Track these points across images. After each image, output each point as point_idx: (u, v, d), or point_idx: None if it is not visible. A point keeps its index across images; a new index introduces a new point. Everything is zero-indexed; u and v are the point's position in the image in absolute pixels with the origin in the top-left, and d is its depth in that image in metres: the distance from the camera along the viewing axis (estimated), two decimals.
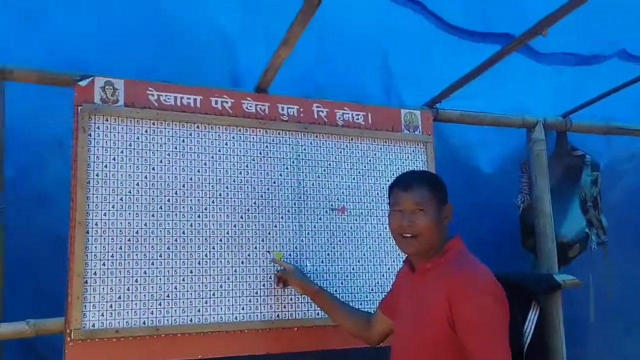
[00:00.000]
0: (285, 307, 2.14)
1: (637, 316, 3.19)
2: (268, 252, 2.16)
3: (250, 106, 2.25)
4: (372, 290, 2.30)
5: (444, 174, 2.69)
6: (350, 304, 2.15)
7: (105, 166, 1.99)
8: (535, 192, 2.74)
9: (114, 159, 2.01)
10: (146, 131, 2.08)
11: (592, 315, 2.70)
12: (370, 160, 2.43)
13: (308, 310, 2.16)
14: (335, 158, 2.37)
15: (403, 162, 2.49)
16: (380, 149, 2.46)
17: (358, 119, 2.44)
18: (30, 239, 2.19)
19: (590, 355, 3.06)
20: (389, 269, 2.34)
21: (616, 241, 2.92)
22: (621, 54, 2.43)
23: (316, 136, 2.35)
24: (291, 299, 2.16)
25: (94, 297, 1.89)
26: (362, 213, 2.36)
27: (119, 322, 1.90)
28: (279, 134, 2.29)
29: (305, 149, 2.32)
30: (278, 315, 2.12)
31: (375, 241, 2.35)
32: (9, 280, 1.93)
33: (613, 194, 3.10)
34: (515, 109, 2.83)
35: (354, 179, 2.38)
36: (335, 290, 2.22)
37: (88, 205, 1.94)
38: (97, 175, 1.98)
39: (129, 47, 2.42)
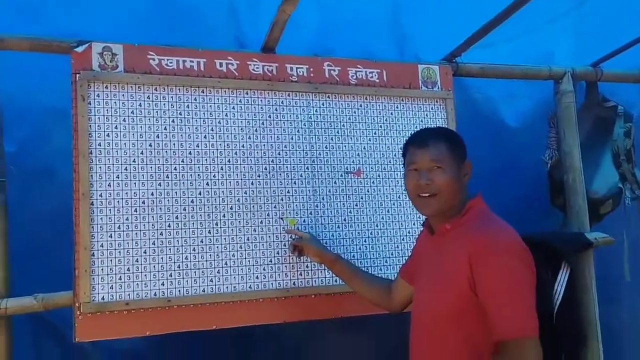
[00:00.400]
0: (301, 275, 2.07)
1: None
2: (281, 218, 2.07)
3: (257, 67, 2.15)
4: (391, 255, 2.21)
5: (467, 131, 2.56)
6: (370, 271, 2.08)
7: (108, 135, 1.92)
8: (564, 147, 2.59)
9: (116, 128, 1.94)
10: (148, 97, 2.00)
11: (627, 274, 2.56)
12: (386, 120, 2.31)
13: (325, 277, 2.08)
14: (349, 119, 2.25)
15: (422, 121, 2.36)
16: (397, 107, 2.34)
17: (372, 76, 2.32)
18: (35, 213, 2.14)
19: (625, 315, 2.93)
20: (408, 232, 2.23)
21: None
22: None
23: (328, 97, 2.23)
24: (307, 266, 2.08)
25: (102, 269, 1.84)
26: (379, 176, 2.25)
27: (128, 295, 1.85)
28: (288, 95, 2.18)
29: (317, 111, 2.21)
30: (294, 283, 2.05)
31: (393, 204, 2.24)
32: (16, 255, 1.89)
33: None
34: (542, 58, 2.65)
35: (369, 140, 2.27)
36: (353, 257, 2.13)
37: (91, 176, 1.87)
38: (100, 145, 1.91)
39: (128, 14, 2.32)
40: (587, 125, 2.74)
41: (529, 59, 2.62)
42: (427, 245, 1.65)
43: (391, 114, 2.32)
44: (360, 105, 2.28)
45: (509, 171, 2.80)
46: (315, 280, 2.08)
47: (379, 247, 2.21)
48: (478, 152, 2.70)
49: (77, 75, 1.92)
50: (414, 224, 2.23)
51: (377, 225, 2.22)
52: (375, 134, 2.28)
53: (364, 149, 2.25)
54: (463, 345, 1.43)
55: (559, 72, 2.62)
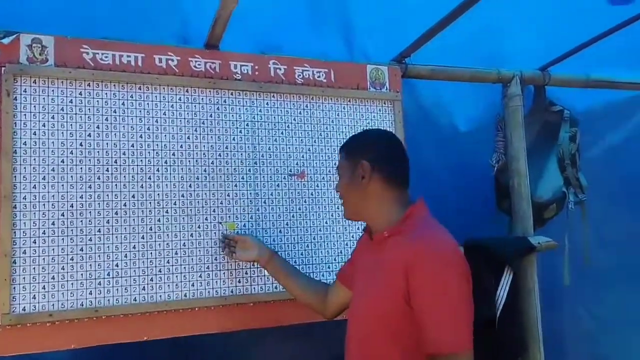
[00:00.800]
0: (239, 282, 2.00)
1: (614, 278, 3.10)
2: (220, 223, 2.00)
3: (199, 64, 2.06)
4: (334, 260, 2.16)
5: (415, 133, 2.56)
6: (312, 276, 2.02)
7: (34, 133, 1.80)
8: (511, 151, 2.59)
9: (43, 125, 1.82)
10: (80, 94, 1.88)
11: (566, 278, 2.59)
12: (332, 121, 2.26)
13: (265, 284, 2.02)
14: (294, 120, 2.19)
15: (369, 123, 2.32)
16: (344, 108, 2.29)
17: (319, 76, 2.26)
18: None
19: (567, 320, 2.97)
20: (352, 237, 2.19)
21: (595, 200, 2.79)
22: None
23: (273, 96, 2.16)
24: (246, 273, 2.01)
25: (24, 278, 1.72)
26: (323, 178, 2.20)
27: (52, 305, 1.74)
28: (231, 94, 2.10)
29: (260, 111, 2.14)
30: (232, 291, 1.98)
31: (338, 208, 2.19)
32: None
33: (592, 151, 2.95)
34: (491, 62, 2.64)
35: (314, 142, 2.21)
36: (295, 262, 2.08)
37: (15, 177, 1.75)
38: (25, 143, 1.79)
39: (62, 3, 2.19)
40: (535, 130, 2.75)
41: (479, 62, 2.60)
42: (366, 250, 1.62)
43: (338, 115, 2.27)
44: (306, 106, 2.22)
45: (457, 174, 2.79)
46: (254, 288, 2.01)
47: (321, 252, 2.16)
48: (426, 154, 2.72)
49: (3, 68, 1.79)
50: (357, 229, 2.19)
51: (320, 230, 2.17)
52: (320, 135, 2.23)
53: (309, 150, 2.20)
54: (397, 351, 1.41)
55: (507, 75, 2.61)
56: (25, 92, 1.81)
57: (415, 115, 2.59)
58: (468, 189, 2.79)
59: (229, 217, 2.02)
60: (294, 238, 2.12)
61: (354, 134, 1.73)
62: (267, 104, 2.15)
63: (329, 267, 2.15)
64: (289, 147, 2.16)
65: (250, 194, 2.07)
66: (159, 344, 1.88)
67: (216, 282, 1.96)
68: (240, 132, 2.09)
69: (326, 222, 2.18)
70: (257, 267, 1.99)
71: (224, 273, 1.98)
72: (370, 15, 2.57)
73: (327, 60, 2.29)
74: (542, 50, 2.65)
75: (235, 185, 2.05)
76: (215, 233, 1.99)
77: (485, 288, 2.35)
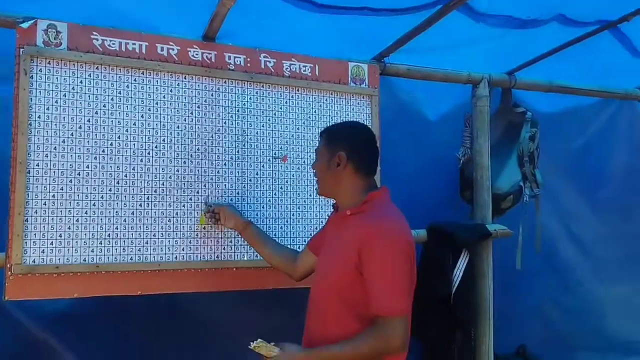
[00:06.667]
0: (224, 249, 2.25)
1: (562, 266, 3.40)
2: (205, 203, 2.23)
3: (196, 54, 2.29)
4: (311, 234, 2.39)
5: (392, 127, 2.81)
6: (291, 247, 2.27)
7: (47, 109, 2.04)
8: (476, 146, 2.86)
9: (56, 102, 2.05)
10: (90, 75, 2.11)
11: (518, 263, 2.87)
12: (315, 112, 2.50)
13: (247, 253, 2.28)
14: (280, 108, 2.43)
15: (348, 115, 2.56)
16: (326, 100, 2.53)
17: (305, 70, 2.49)
18: None
19: (518, 299, 3.26)
20: (326, 214, 2.44)
21: (549, 195, 3.08)
22: (560, 18, 2.50)
23: (262, 86, 2.40)
24: (230, 242, 2.26)
25: (35, 234, 1.97)
26: (304, 162, 2.45)
27: (59, 259, 1.99)
28: (224, 82, 2.33)
29: (250, 98, 2.38)
30: (217, 257, 2.23)
31: (316, 189, 2.44)
32: None
33: (552, 151, 3.22)
34: (464, 67, 2.89)
35: (297, 129, 2.46)
36: (275, 235, 2.32)
37: (29, 146, 1.99)
38: (39, 117, 2.02)
39: None
40: (500, 128, 3.02)
41: (452, 64, 2.85)
42: (333, 224, 1.87)
43: (320, 106, 2.51)
44: (292, 97, 2.46)
45: (426, 164, 3.05)
46: (237, 255, 2.27)
47: (299, 227, 2.42)
48: (399, 145, 2.97)
49: (21, 49, 2.01)
50: (331, 208, 2.44)
51: (299, 208, 2.42)
52: (303, 123, 2.47)
53: (292, 136, 2.44)
54: (346, 312, 1.65)
55: (477, 77, 2.88)
56: (41, 71, 2.04)
57: (392, 110, 2.83)
58: (436, 178, 3.06)
59: (218, 192, 2.27)
60: (275, 213, 2.37)
61: (336, 123, 1.97)
62: (257, 93, 2.39)
63: (305, 240, 2.38)
64: (274, 133, 2.41)
65: (238, 172, 2.31)
66: (142, 303, 2.11)
67: (204, 248, 2.21)
68: (231, 117, 2.33)
69: (304, 201, 2.43)
70: (241, 237, 2.23)
71: (211, 241, 2.23)
72: (355, 17, 2.79)
73: (313, 56, 2.52)
74: (510, 56, 2.90)
75: (225, 164, 2.30)
76: (205, 206, 2.23)
77: (444, 267, 2.64)
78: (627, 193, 3.66)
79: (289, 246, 2.30)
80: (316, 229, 2.42)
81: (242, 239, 2.20)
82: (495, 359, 2.81)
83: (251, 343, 1.63)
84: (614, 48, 2.82)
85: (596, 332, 3.56)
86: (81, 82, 2.10)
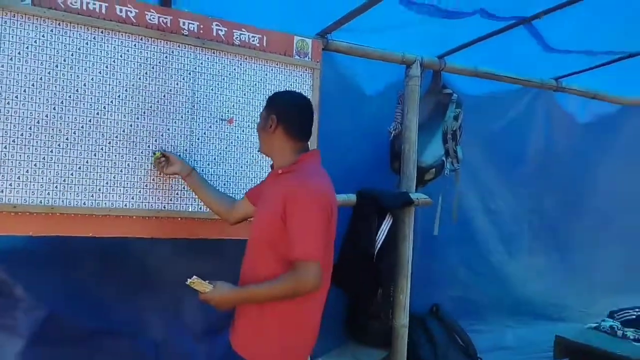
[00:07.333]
0: (171, 200, 2.47)
1: (476, 235, 3.80)
2: (154, 153, 2.42)
3: (153, 18, 2.46)
4: None
5: (332, 98, 3.06)
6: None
7: (11, 59, 2.17)
8: (406, 122, 3.16)
9: (19, 53, 2.19)
10: (52, 31, 2.25)
11: (436, 229, 3.22)
12: (260, 80, 2.72)
13: (192, 205, 2.50)
14: (229, 74, 2.64)
15: (291, 84, 2.79)
16: (271, 70, 2.75)
17: (254, 40, 2.70)
18: None
19: (435, 265, 3.64)
20: (267, 172, 2.68)
21: (469, 171, 3.43)
22: (481, 12, 2.80)
23: (213, 52, 2.59)
24: (177, 193, 2.48)
25: None
26: (248, 125, 2.67)
27: (17, 199, 2.16)
28: (178, 46, 2.51)
29: (202, 63, 2.57)
30: (164, 206, 2.45)
31: (258, 150, 2.67)
32: None
33: (474, 131, 3.57)
34: (400, 49, 3.17)
35: (244, 94, 2.67)
36: (220, 189, 2.55)
37: None
38: (2, 66, 2.15)
39: None
40: (429, 107, 3.33)
41: (389, 45, 3.12)
42: (270, 180, 2.11)
43: (266, 75, 2.73)
44: (240, 64, 2.67)
45: (361, 136, 3.34)
46: (183, 206, 2.49)
47: (242, 184, 2.65)
48: (337, 116, 3.24)
49: None
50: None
51: (241, 167, 2.65)
52: (250, 90, 2.69)
53: (239, 101, 2.66)
54: (273, 257, 1.91)
55: (410, 58, 3.16)
56: (6, 23, 2.17)
57: (332, 83, 3.08)
58: (369, 149, 3.35)
59: (168, 147, 2.46)
60: (220, 171, 2.60)
61: (278, 91, 2.20)
62: (208, 58, 2.58)
63: None
64: (222, 97, 2.62)
65: (187, 130, 2.52)
66: (94, 247, 2.30)
67: (152, 197, 2.42)
68: (183, 79, 2.52)
69: (247, 161, 2.67)
70: (187, 189, 2.44)
71: (159, 191, 2.44)
72: None
73: (262, 28, 2.72)
74: (440, 42, 3.20)
75: (175, 122, 2.49)
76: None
77: (370, 228, 2.94)
78: (540, 174, 4.10)
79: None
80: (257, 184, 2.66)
81: (188, 190, 2.42)
82: (410, 319, 3.15)
83: (188, 279, 1.85)
84: (530, 42, 3.16)
85: (504, 296, 4.01)
86: (43, 36, 2.24)
